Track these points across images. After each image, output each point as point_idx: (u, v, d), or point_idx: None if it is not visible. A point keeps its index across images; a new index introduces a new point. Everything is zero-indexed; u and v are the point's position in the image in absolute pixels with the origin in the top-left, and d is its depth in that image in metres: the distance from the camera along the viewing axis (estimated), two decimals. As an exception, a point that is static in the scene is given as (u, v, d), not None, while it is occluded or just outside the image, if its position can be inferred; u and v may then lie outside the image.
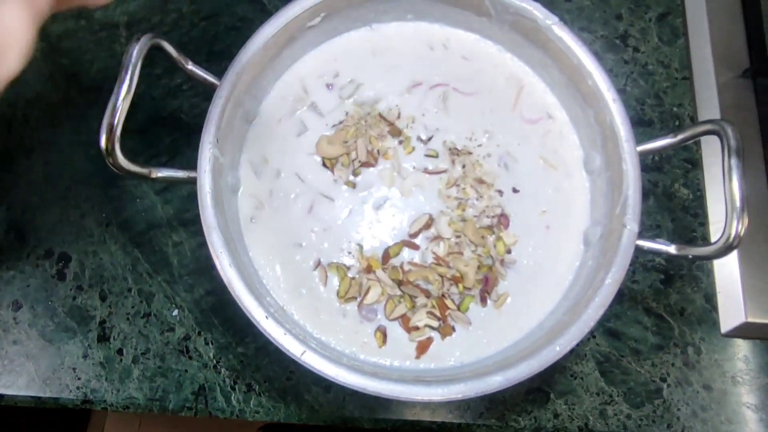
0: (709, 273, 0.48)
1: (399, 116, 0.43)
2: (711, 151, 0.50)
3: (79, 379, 0.43)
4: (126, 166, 0.34)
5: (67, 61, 0.50)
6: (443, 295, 0.38)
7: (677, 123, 0.52)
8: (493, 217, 0.40)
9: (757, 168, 0.48)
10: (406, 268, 0.39)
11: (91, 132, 0.49)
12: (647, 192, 0.48)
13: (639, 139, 0.39)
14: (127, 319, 0.44)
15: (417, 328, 0.38)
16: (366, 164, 0.41)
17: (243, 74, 0.38)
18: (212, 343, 0.44)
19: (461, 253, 0.39)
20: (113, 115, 0.33)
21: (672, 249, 0.36)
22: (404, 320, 0.38)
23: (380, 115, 0.43)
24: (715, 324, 0.47)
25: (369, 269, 0.39)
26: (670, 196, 0.50)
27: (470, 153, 0.42)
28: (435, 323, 0.38)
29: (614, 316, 0.46)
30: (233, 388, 0.43)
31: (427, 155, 0.42)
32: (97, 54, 0.51)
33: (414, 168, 0.41)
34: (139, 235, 0.46)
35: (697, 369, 0.46)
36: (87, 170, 0.48)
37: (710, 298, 0.47)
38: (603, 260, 0.37)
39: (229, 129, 0.38)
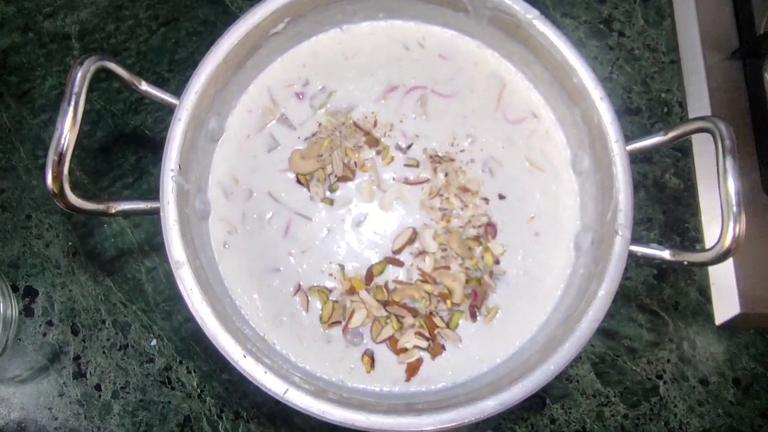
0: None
1: (375, 124, 0.40)
2: (701, 139, 0.49)
3: (56, 419, 0.41)
4: (79, 205, 0.32)
5: (15, 79, 0.47)
6: (431, 313, 0.37)
7: (665, 110, 0.50)
8: (480, 226, 0.39)
9: (749, 154, 0.47)
10: (391, 287, 0.37)
11: (49, 154, 0.46)
12: (637, 184, 0.47)
13: (627, 128, 0.37)
14: (103, 352, 0.42)
15: (405, 350, 0.36)
16: (343, 178, 0.39)
17: (203, 92, 0.35)
18: (195, 372, 0.42)
19: (448, 267, 0.37)
20: (58, 152, 0.30)
21: (666, 254, 0.35)
22: (392, 342, 0.36)
23: (355, 124, 0.40)
24: (710, 316, 0.46)
25: (352, 291, 0.37)
26: (661, 187, 0.48)
27: (452, 160, 0.39)
28: (424, 344, 0.36)
29: (608, 315, 0.45)
30: (220, 417, 0.42)
31: (407, 165, 0.40)
32: (48, 69, 0.47)
33: (394, 179, 0.39)
34: (110, 262, 0.44)
35: (693, 363, 0.45)
36: (47, 196, 0.44)
37: (704, 291, 0.46)
38: (595, 269, 0.35)
39: (193, 151, 0.35)
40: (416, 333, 0.36)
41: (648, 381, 0.44)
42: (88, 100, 0.46)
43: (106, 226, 0.44)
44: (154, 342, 0.42)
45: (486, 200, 0.39)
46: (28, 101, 0.46)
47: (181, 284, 0.32)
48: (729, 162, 0.33)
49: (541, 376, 0.32)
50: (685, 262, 0.34)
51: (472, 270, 0.38)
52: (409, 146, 0.40)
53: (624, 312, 0.46)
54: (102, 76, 0.47)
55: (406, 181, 0.39)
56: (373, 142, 0.40)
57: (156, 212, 0.33)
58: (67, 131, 0.30)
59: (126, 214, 0.34)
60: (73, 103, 0.31)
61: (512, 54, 0.41)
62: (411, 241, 0.38)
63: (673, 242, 0.47)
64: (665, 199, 0.48)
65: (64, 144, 0.30)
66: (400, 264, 0.37)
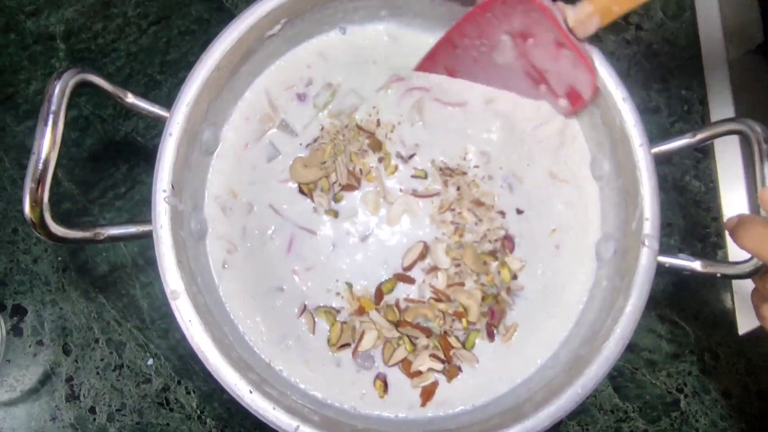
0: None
1: (378, 124, 0.38)
2: (724, 139, 0.46)
3: (49, 444, 0.39)
4: (62, 234, 0.29)
5: (-2, 83, 0.44)
6: (446, 333, 0.34)
7: (686, 108, 0.47)
8: (496, 240, 0.36)
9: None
10: (403, 305, 0.35)
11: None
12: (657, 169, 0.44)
13: (646, 129, 0.34)
14: (97, 373, 0.40)
15: (420, 373, 0.34)
16: (348, 187, 0.37)
17: (195, 102, 0.32)
18: (194, 392, 0.40)
19: (462, 284, 0.35)
20: (36, 179, 0.27)
21: (698, 266, 0.33)
22: (405, 365, 0.34)
23: (358, 126, 0.37)
24: (733, 327, 0.44)
25: (361, 311, 0.34)
26: (681, 190, 0.46)
27: (464, 173, 0.37)
28: (439, 366, 0.34)
29: (626, 326, 0.43)
30: (222, 439, 0.40)
31: (414, 176, 0.37)
32: (32, 72, 0.44)
33: (401, 191, 0.37)
34: (102, 278, 0.41)
35: (715, 376, 0.43)
36: (35, 208, 0.42)
37: (726, 300, 0.44)
38: (621, 283, 0.33)
39: (187, 168, 0.33)
40: (431, 355, 0.34)
41: (668, 395, 0.42)
42: (75, 106, 0.44)
43: (97, 239, 0.42)
44: (150, 361, 0.40)
45: (502, 213, 0.37)
46: (11, 107, 0.44)
47: (179, 315, 0.30)
48: (767, 167, 0.31)
49: (569, 400, 0.30)
50: (718, 275, 0.32)
51: (488, 286, 0.35)
52: (411, 156, 0.37)
53: (643, 322, 0.43)
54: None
55: (415, 193, 0.37)
56: (377, 145, 0.37)
57: (148, 236, 0.31)
58: (45, 154, 0.28)
59: (115, 240, 0.31)
60: (50, 122, 0.28)
61: None
62: (422, 256, 0.35)
63: (694, 249, 0.45)
64: (685, 202, 0.46)
65: (41, 167, 0.28)
66: (411, 281, 0.35)
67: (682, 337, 0.43)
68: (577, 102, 0.36)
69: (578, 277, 0.36)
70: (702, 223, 0.46)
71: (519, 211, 0.37)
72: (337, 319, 0.34)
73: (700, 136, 0.34)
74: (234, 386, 0.29)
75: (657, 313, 0.44)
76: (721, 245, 0.45)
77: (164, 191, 0.31)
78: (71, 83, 0.29)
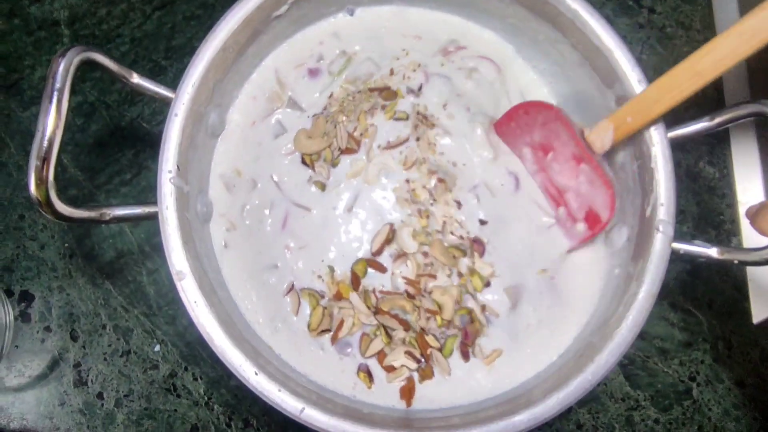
0: (738, 259, 0.44)
1: (392, 72, 0.37)
2: (739, 123, 0.45)
3: (57, 429, 0.39)
4: (68, 214, 0.29)
5: (2, 69, 0.44)
6: (423, 330, 0.34)
7: (700, 93, 0.46)
8: (462, 237, 0.35)
9: (791, 139, 0.44)
10: (379, 296, 0.34)
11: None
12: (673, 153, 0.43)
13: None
14: (105, 359, 0.40)
15: (393, 369, 0.33)
16: (348, 151, 0.35)
17: (201, 83, 0.32)
18: (201, 378, 0.40)
19: (434, 276, 0.34)
20: (41, 156, 0.27)
21: (714, 252, 0.32)
22: (380, 357, 0.33)
23: (371, 89, 0.37)
24: (747, 315, 0.43)
25: (339, 296, 0.34)
26: (695, 177, 0.45)
27: (433, 126, 0.36)
28: (413, 365, 0.33)
29: (638, 314, 0.42)
30: (229, 425, 0.40)
31: (396, 119, 0.36)
32: (37, 58, 0.44)
33: (379, 147, 0.35)
34: (109, 264, 0.41)
35: (729, 364, 0.42)
36: (41, 195, 0.42)
37: (740, 287, 0.43)
38: (634, 269, 0.32)
39: (192, 149, 0.32)
40: (406, 352, 0.33)
41: (680, 383, 0.42)
42: (80, 92, 0.44)
43: (103, 225, 0.42)
44: (157, 348, 0.40)
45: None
46: (16, 93, 0.44)
47: (185, 296, 0.29)
48: (788, 153, 0.30)
49: (579, 387, 0.29)
50: (735, 261, 0.31)
51: (464, 290, 0.34)
52: (420, 88, 0.36)
53: (655, 310, 0.42)
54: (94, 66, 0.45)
55: (389, 145, 0.35)
56: (390, 95, 0.36)
57: (154, 217, 0.30)
58: (50, 132, 0.27)
59: (121, 221, 0.31)
60: (55, 100, 0.27)
61: (537, 34, 0.37)
62: (389, 241, 0.34)
63: (708, 236, 0.44)
64: (699, 189, 0.45)
65: (46, 145, 0.27)
66: (382, 269, 0.34)
67: (695, 326, 0.43)
68: (595, 225, 0.34)
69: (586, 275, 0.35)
70: (716, 210, 0.45)
71: (482, 222, 0.35)
72: (320, 303, 0.34)
73: (718, 120, 0.33)
74: (239, 368, 0.29)
75: (669, 301, 0.43)
76: (735, 232, 0.44)
77: (170, 172, 0.30)
78: (76, 61, 0.28)
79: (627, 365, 0.42)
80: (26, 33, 0.44)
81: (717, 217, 0.45)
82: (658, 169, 0.32)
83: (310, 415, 0.29)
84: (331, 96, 0.37)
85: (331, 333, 0.34)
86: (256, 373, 0.29)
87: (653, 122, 0.32)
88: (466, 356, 0.34)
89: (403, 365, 0.33)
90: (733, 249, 0.32)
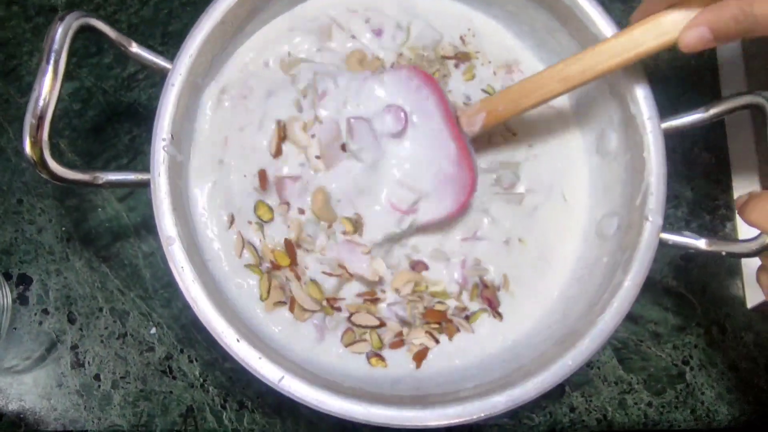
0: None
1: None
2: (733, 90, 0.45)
3: (55, 410, 0.39)
4: (62, 174, 0.29)
5: (1, 55, 0.44)
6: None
7: (696, 78, 0.46)
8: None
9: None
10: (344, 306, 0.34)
11: (39, 135, 0.43)
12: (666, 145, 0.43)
13: (656, 101, 0.33)
14: (101, 341, 0.40)
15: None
16: None
17: (199, 55, 0.32)
18: (197, 361, 0.40)
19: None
20: (37, 115, 0.27)
21: (702, 244, 0.32)
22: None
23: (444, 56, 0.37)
24: (741, 300, 0.43)
25: (277, 266, 0.34)
26: (690, 162, 0.45)
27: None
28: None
29: (631, 298, 0.43)
30: (224, 407, 0.40)
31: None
32: (35, 44, 0.45)
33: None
34: (105, 248, 0.42)
35: (722, 349, 0.42)
36: (39, 179, 0.43)
37: (735, 272, 0.43)
38: (621, 258, 0.32)
39: (187, 119, 0.33)
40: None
41: (674, 367, 0.42)
42: (77, 78, 0.44)
43: (100, 210, 0.42)
44: (153, 330, 0.41)
45: None
46: (14, 79, 0.44)
47: (172, 261, 0.30)
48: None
49: (558, 372, 0.30)
50: (723, 253, 0.31)
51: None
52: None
53: (649, 295, 0.43)
54: (92, 50, 0.45)
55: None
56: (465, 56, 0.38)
57: (146, 184, 0.31)
58: (46, 92, 0.27)
59: (114, 185, 0.31)
60: (52, 61, 0.28)
61: (535, 22, 0.37)
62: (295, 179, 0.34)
63: (703, 221, 0.44)
64: (694, 174, 0.45)
65: (42, 105, 0.27)
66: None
67: (689, 310, 0.43)
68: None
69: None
70: (711, 195, 0.45)
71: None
72: (263, 270, 0.34)
73: (713, 111, 0.33)
74: (221, 334, 0.29)
75: (663, 285, 0.43)
76: (730, 217, 0.44)
77: (164, 140, 0.31)
78: (74, 25, 0.28)
79: (620, 349, 0.42)
80: (25, 19, 0.45)
81: (712, 203, 0.45)
82: (650, 159, 0.32)
83: (290, 384, 0.29)
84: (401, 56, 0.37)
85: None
86: (238, 340, 0.29)
87: (521, 113, 0.33)
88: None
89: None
90: (721, 240, 0.32)
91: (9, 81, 0.44)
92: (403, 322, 0.34)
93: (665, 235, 0.32)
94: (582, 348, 0.30)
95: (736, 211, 0.30)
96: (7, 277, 0.41)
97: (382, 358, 0.33)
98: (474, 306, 0.35)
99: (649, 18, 0.30)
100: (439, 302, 0.34)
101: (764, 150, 0.32)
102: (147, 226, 0.42)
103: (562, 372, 0.29)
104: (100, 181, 0.30)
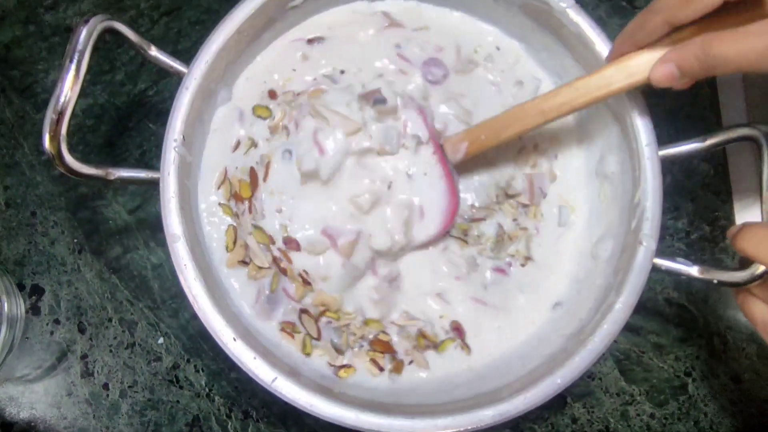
0: (734, 255, 0.44)
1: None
2: (733, 118, 0.46)
3: (65, 418, 0.40)
4: (78, 169, 0.30)
5: (18, 73, 0.46)
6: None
7: (693, 101, 0.47)
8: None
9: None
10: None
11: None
12: (663, 170, 0.44)
13: (656, 125, 0.34)
14: (110, 350, 0.41)
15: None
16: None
17: (214, 61, 0.34)
18: (203, 370, 0.41)
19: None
20: (57, 111, 0.28)
21: (694, 271, 0.32)
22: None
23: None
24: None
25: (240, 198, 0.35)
26: (690, 173, 0.46)
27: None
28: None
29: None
30: (229, 417, 0.41)
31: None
32: (51, 63, 0.46)
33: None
34: (116, 260, 0.43)
35: (724, 360, 0.42)
36: (52, 193, 0.44)
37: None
38: (614, 280, 0.33)
39: (199, 122, 0.34)
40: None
41: (676, 378, 0.42)
42: (91, 95, 0.46)
43: (111, 222, 0.44)
44: (161, 340, 0.41)
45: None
46: (30, 96, 0.46)
47: (176, 259, 0.31)
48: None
49: (546, 389, 0.30)
50: (715, 281, 0.32)
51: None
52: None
53: (650, 306, 0.43)
54: (106, 68, 0.46)
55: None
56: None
57: (156, 182, 0.32)
58: (68, 89, 0.29)
59: (126, 182, 0.32)
60: (75, 60, 0.29)
61: (541, 45, 0.39)
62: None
63: (702, 232, 0.45)
64: (693, 186, 0.45)
65: (62, 101, 0.28)
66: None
67: (690, 321, 0.43)
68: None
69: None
70: (711, 206, 0.45)
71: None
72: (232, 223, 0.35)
73: (710, 142, 0.34)
74: (219, 332, 0.30)
75: (664, 297, 0.43)
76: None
77: (175, 141, 0.32)
78: (99, 27, 0.30)
79: (622, 360, 0.42)
80: (41, 39, 0.47)
81: (712, 214, 0.45)
82: (647, 185, 0.33)
83: (282, 385, 0.29)
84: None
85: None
86: (235, 339, 0.30)
87: (503, 143, 0.35)
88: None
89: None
90: (713, 269, 0.32)
91: (25, 97, 0.45)
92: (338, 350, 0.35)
93: (658, 261, 0.32)
94: (572, 367, 0.30)
95: (728, 241, 0.31)
96: (21, 287, 0.42)
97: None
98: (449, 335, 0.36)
99: (622, 59, 0.32)
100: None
101: (761, 182, 0.33)
102: (156, 238, 0.43)
103: (551, 389, 0.30)
104: (112, 177, 0.31)
